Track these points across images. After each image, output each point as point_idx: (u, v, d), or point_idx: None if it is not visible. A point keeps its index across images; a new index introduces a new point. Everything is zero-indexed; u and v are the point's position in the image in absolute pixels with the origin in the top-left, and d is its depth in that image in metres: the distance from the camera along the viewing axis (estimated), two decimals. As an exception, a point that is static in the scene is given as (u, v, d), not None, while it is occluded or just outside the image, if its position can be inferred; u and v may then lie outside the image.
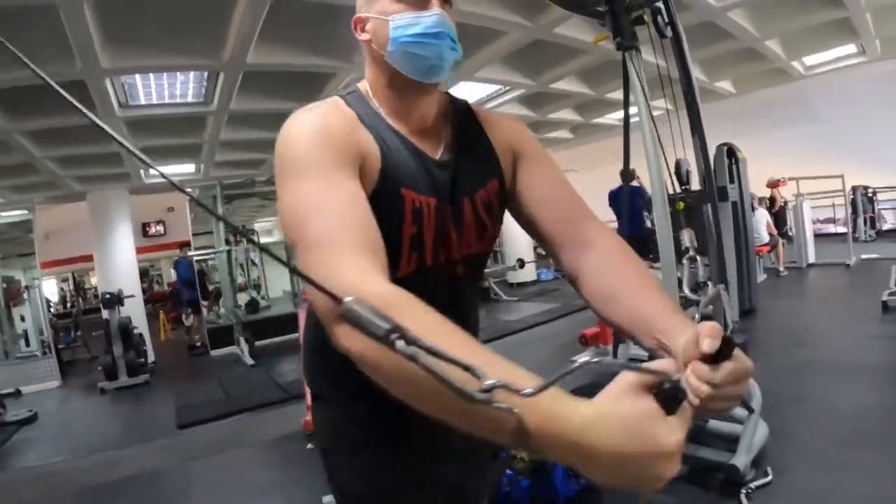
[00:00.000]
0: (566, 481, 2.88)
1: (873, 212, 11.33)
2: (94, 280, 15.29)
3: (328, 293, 0.55)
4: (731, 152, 5.81)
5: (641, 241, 7.12)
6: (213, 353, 8.44)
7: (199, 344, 8.93)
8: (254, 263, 13.60)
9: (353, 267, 0.71)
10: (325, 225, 0.77)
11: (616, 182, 7.13)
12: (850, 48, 6.28)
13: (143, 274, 16.32)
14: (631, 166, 4.43)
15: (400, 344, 0.54)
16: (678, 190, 3.63)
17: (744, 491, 2.71)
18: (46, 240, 9.40)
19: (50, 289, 14.54)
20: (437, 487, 1.12)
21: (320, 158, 0.86)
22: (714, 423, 3.27)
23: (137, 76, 4.36)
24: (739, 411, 3.08)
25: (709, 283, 3.71)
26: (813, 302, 6.75)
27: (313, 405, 1.19)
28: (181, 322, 9.20)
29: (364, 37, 1.04)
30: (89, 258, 8.78)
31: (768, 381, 3.36)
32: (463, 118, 1.12)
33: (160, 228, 12.34)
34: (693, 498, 2.80)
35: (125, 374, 6.68)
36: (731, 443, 3.07)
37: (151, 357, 7.97)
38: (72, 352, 9.62)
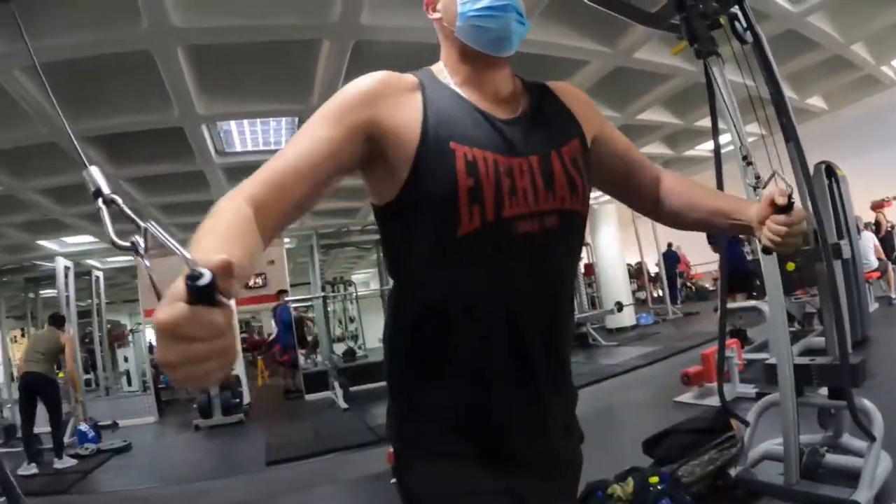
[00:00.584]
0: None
1: None
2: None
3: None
4: (830, 171, 5.45)
5: (744, 278, 7.28)
6: (308, 397, 8.58)
7: (294, 388, 9.11)
8: (351, 320, 13.96)
9: (242, 191, 0.82)
10: (269, 164, 0.88)
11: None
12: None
13: (245, 325, 17.09)
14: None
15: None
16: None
17: None
18: (151, 287, 10.00)
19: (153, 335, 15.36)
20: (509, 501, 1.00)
21: (319, 117, 0.93)
22: (832, 458, 2.98)
23: (232, 123, 4.64)
24: (858, 444, 2.81)
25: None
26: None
27: (389, 401, 1.12)
28: (280, 365, 9.43)
29: (435, 15, 1.06)
30: None
31: (890, 412, 3.04)
32: (539, 92, 1.11)
33: (260, 281, 12.92)
34: None
35: (220, 412, 6.89)
36: (851, 479, 2.80)
37: (247, 398, 8.18)
38: (171, 392, 10.06)
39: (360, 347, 13.40)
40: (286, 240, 9.98)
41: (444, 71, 1.05)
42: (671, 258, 12.07)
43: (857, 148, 9.36)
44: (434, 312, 0.98)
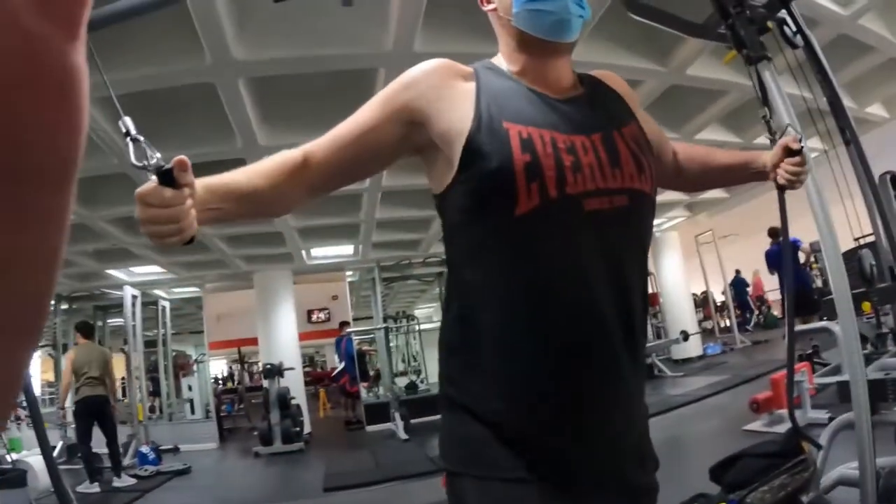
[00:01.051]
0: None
1: None
2: (259, 362, 16.67)
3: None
4: (897, 181, 5.16)
5: (810, 301, 6.83)
6: (369, 428, 8.61)
7: (355, 419, 9.18)
8: (414, 357, 14.03)
9: (294, 152, 1.00)
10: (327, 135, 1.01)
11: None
12: None
13: (309, 360, 17.44)
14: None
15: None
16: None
17: None
18: (217, 321, 10.29)
19: (218, 366, 15.92)
20: None
21: (373, 102, 1.01)
22: None
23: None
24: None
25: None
26: None
27: (442, 416, 1.04)
28: (348, 396, 9.55)
29: (490, 7, 1.06)
30: (254, 341, 9.45)
31: None
32: (592, 80, 1.10)
33: (323, 315, 13.19)
34: None
35: (280, 440, 6.97)
36: None
37: (308, 428, 8.28)
38: (233, 420, 10.32)
39: (422, 381, 13.43)
40: (349, 273, 10.13)
41: (501, 61, 1.05)
42: (739, 285, 11.61)
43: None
44: (494, 300, 0.92)
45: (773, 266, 7.61)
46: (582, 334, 0.89)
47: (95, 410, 5.64)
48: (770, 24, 2.55)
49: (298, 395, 8.26)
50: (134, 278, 8.49)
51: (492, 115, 0.92)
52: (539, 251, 0.89)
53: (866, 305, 3.12)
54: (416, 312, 16.67)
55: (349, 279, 10.22)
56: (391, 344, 11.24)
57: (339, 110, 3.48)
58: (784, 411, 4.46)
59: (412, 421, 8.09)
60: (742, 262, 11.82)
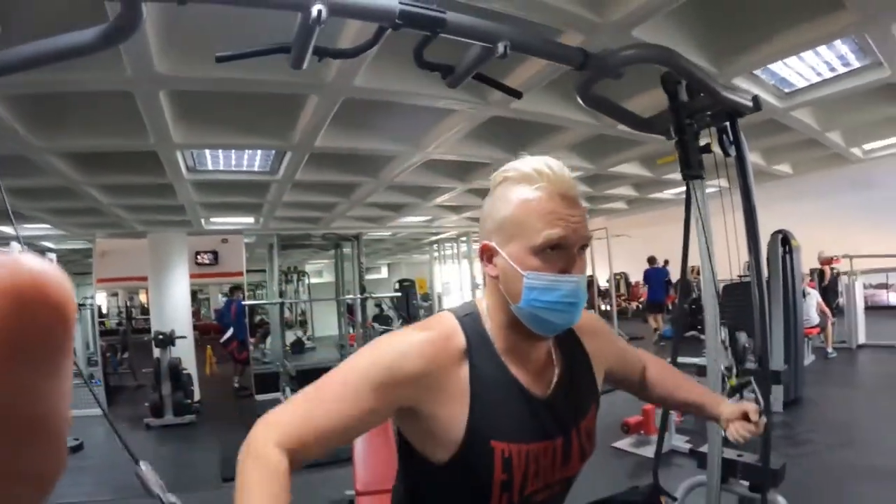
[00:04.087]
0: None
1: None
2: (143, 298, 15.73)
3: None
4: (786, 240, 5.79)
5: (659, 306, 11.33)
6: (259, 397, 8.52)
7: (238, 385, 9.05)
8: (302, 312, 13.89)
9: (282, 436, 0.91)
10: (314, 410, 0.94)
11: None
12: (913, 136, 6.22)
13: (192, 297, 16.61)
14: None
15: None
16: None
17: None
18: (102, 258, 9.51)
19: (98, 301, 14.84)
20: None
21: (362, 381, 0.95)
22: None
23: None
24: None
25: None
26: (863, 392, 6.55)
27: None
28: (238, 362, 9.23)
29: (491, 270, 1.03)
30: (143, 279, 8.98)
31: (808, 488, 3.30)
32: (569, 347, 1.15)
33: (208, 258, 12.63)
34: None
35: (171, 412, 6.83)
36: None
37: (198, 395, 8.05)
38: (118, 377, 9.75)
39: (309, 339, 13.43)
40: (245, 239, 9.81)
41: (490, 326, 1.05)
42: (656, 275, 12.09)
43: (816, 206, 10.00)
44: None
45: (646, 281, 11.86)
46: None
47: None
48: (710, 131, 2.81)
49: (189, 364, 8.04)
50: (23, 233, 7.85)
51: (482, 433, 0.98)
52: None
53: (732, 381, 3.54)
54: (308, 267, 16.61)
55: (246, 241, 9.87)
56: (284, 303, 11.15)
57: (262, 121, 3.42)
58: (653, 436, 4.99)
59: (301, 392, 8.19)
60: (627, 258, 12.56)
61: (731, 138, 2.93)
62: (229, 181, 5.65)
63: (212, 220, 8.00)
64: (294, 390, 7.89)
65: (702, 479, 3.35)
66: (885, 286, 11.44)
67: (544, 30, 2.83)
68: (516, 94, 2.49)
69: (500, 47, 1.77)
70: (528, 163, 0.99)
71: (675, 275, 12.37)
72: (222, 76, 3.17)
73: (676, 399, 1.40)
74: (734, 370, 3.62)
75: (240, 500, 0.85)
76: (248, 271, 10.51)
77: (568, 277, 0.96)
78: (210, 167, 5.15)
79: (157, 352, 7.16)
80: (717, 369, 2.94)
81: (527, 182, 0.97)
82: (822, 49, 3.75)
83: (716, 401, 1.36)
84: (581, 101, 2.66)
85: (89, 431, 6.50)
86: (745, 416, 1.26)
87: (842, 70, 4.16)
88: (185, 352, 7.93)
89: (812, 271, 9.65)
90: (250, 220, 8.29)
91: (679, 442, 4.77)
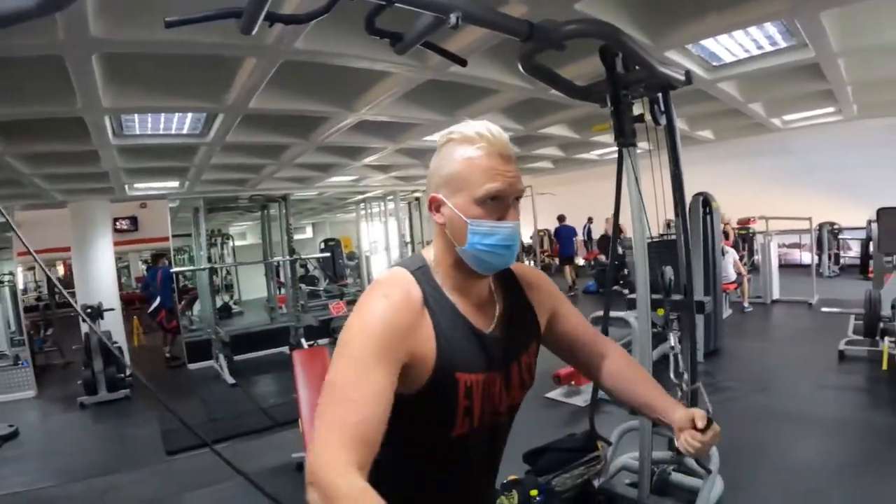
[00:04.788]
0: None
1: (838, 248, 11.87)
2: (61, 270, 14.99)
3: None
4: (707, 202, 6.12)
5: (569, 259, 12.26)
6: (191, 366, 8.42)
7: (169, 355, 8.87)
8: (228, 273, 13.51)
9: (342, 459, 0.92)
10: (343, 412, 0.97)
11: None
12: (829, 109, 6.61)
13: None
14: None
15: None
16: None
17: None
18: (20, 230, 9.06)
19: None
20: None
21: (369, 352, 1.02)
22: (677, 477, 3.57)
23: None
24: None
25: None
26: (776, 344, 7.05)
27: None
28: (168, 332, 9.00)
29: (438, 219, 1.17)
30: (66, 249, 8.69)
31: (729, 430, 3.58)
32: (508, 282, 1.31)
33: (126, 223, 12.16)
34: None
35: (105, 388, 6.64)
36: (693, 493, 3.37)
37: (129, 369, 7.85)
38: (45, 356, 9.26)
39: (235, 303, 13.18)
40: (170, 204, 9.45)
41: (438, 271, 1.20)
42: (564, 232, 12.59)
43: (736, 169, 10.55)
44: (418, 472, 1.23)
45: (557, 238, 12.73)
46: (460, 488, 1.27)
47: None
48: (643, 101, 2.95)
49: (118, 335, 7.80)
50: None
51: (448, 367, 1.12)
52: (457, 453, 1.22)
53: (661, 311, 3.82)
54: (232, 230, 16.19)
55: (170, 206, 9.52)
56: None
57: (196, 83, 3.29)
58: (582, 387, 5.26)
59: (235, 358, 8.16)
60: (552, 215, 12.92)
61: (662, 108, 3.11)
62: (156, 145, 5.42)
63: (135, 185, 7.66)
64: (227, 357, 7.84)
65: (633, 423, 3.62)
66: (798, 246, 12.29)
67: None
68: (461, 62, 2.54)
69: (453, 18, 1.83)
70: (470, 126, 1.14)
71: (597, 231, 13.39)
72: (160, 39, 3.04)
73: (633, 397, 1.40)
74: (663, 304, 3.91)
75: None
76: (173, 236, 10.19)
77: (504, 224, 1.13)
78: (138, 131, 4.93)
79: (85, 326, 6.88)
80: (646, 314, 3.15)
81: (469, 143, 1.12)
82: (752, 29, 3.95)
83: (669, 406, 1.33)
84: (522, 69, 2.73)
85: (22, 417, 6.33)
86: (694, 425, 1.24)
87: (769, 49, 4.37)
88: (113, 324, 7.68)
89: (726, 232, 10.23)
90: (175, 184, 7.97)
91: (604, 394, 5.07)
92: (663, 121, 3.13)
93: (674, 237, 5.78)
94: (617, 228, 3.28)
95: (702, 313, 3.88)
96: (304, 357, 4.20)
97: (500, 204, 1.12)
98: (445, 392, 1.12)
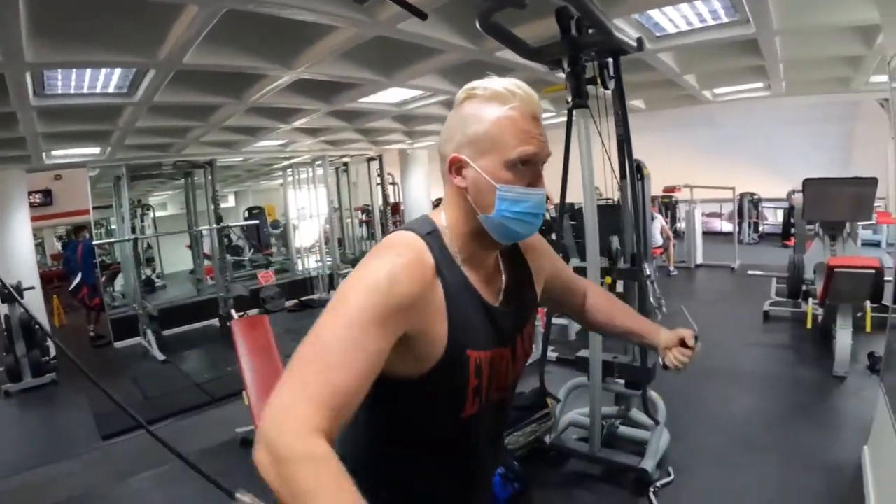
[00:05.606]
0: (503, 486, 3.17)
1: (757, 217, 12.52)
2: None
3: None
4: (639, 168, 6.29)
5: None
6: (118, 344, 8.05)
7: (94, 334, 8.47)
8: (149, 246, 12.93)
9: (305, 422, 0.80)
10: (320, 373, 0.85)
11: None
12: (758, 85, 6.85)
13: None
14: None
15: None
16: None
17: (652, 489, 3.15)
18: None
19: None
20: None
21: (368, 314, 0.90)
22: (624, 430, 3.72)
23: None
24: (643, 417, 3.53)
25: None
26: (703, 305, 7.39)
27: None
28: (91, 310, 8.55)
29: (459, 182, 1.06)
30: None
31: (666, 385, 3.80)
32: (511, 249, 1.23)
33: (38, 198, 11.38)
34: (609, 495, 3.24)
35: (30, 374, 6.23)
36: (638, 445, 3.52)
37: (53, 350, 7.22)
38: None
39: (158, 277, 12.69)
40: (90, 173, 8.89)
41: (451, 238, 1.09)
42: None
43: (664, 140, 10.94)
44: (423, 458, 1.16)
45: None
46: (469, 472, 1.23)
47: None
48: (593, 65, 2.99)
49: (40, 316, 7.32)
50: None
51: (459, 344, 1.04)
52: (467, 433, 1.16)
53: (608, 279, 3.94)
54: (152, 200, 15.49)
55: (89, 174, 8.96)
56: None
57: (129, 32, 3.07)
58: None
59: (164, 332, 7.90)
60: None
61: (612, 73, 3.18)
62: (80, 106, 5.02)
63: (54, 153, 7.13)
64: (156, 332, 7.56)
65: (581, 380, 3.74)
66: (718, 215, 12.91)
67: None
68: (422, 16, 2.49)
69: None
70: (498, 82, 1.04)
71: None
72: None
73: (616, 326, 1.48)
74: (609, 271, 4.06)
75: None
76: (94, 208, 9.63)
77: (536, 190, 1.05)
78: (61, 90, 4.57)
79: (5, 308, 6.39)
80: (596, 274, 3.25)
81: (499, 101, 1.02)
82: (698, 2, 4.06)
83: (654, 329, 1.44)
84: (480, 27, 2.71)
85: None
86: (682, 343, 1.37)
87: (711, 22, 4.48)
88: (33, 305, 7.19)
89: (654, 198, 10.64)
90: (96, 150, 7.49)
91: (550, 353, 5.18)
92: (612, 85, 3.21)
93: (609, 202, 5.99)
94: (566, 190, 3.33)
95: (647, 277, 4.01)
96: (243, 326, 4.13)
97: (531, 169, 1.04)
98: (455, 372, 1.05)
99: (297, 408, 0.81)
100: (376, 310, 0.90)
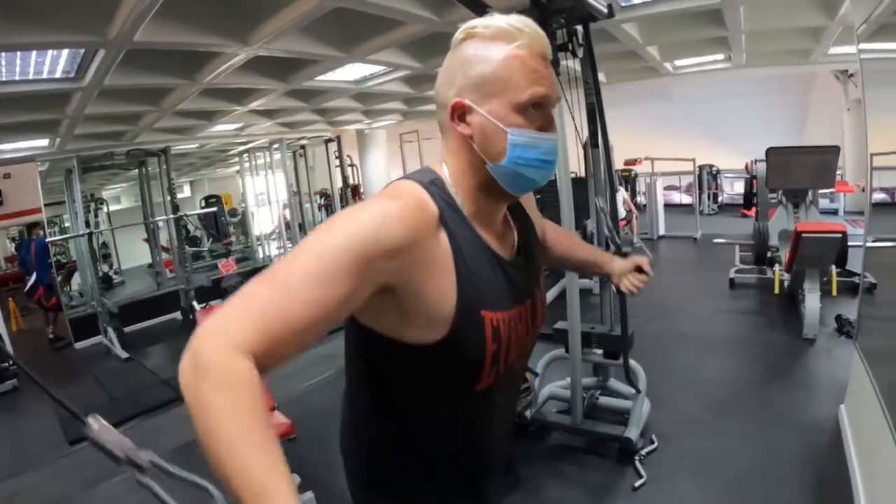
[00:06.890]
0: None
1: (716, 188, 12.74)
2: None
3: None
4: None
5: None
6: (78, 345, 7.73)
7: (53, 336, 8.08)
8: (104, 245, 12.54)
9: (241, 341, 0.71)
10: (276, 301, 0.75)
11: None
12: (719, 56, 6.94)
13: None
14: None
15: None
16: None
17: (637, 457, 3.17)
18: None
19: None
20: None
21: (347, 253, 0.79)
22: (604, 400, 3.72)
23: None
24: (628, 389, 3.54)
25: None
26: (670, 274, 7.46)
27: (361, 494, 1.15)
28: (48, 310, 8.13)
29: (464, 129, 0.96)
30: None
31: (643, 355, 3.82)
32: (518, 212, 1.15)
33: None
34: (595, 465, 3.23)
35: (-11, 383, 5.87)
36: (619, 415, 3.54)
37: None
38: None
39: (116, 273, 12.33)
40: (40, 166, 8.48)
41: (457, 191, 0.98)
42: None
43: (624, 113, 11.02)
44: (436, 436, 1.07)
45: None
46: (480, 452, 1.14)
47: None
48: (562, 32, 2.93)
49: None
50: None
51: (473, 305, 0.92)
52: (482, 406, 1.06)
53: None
54: (105, 194, 14.93)
55: (39, 168, 8.55)
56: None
57: (76, 9, 2.86)
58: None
59: (126, 330, 7.68)
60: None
61: (581, 41, 3.13)
62: (24, 94, 4.75)
63: (0, 147, 6.79)
64: (117, 329, 7.33)
65: (559, 352, 3.72)
66: (677, 187, 13.09)
67: None
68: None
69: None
70: (502, 19, 0.94)
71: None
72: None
73: (573, 258, 1.48)
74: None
75: (216, 445, 0.66)
76: (46, 205, 9.25)
77: (548, 135, 0.95)
78: (4, 76, 4.30)
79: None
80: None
81: (505, 39, 0.93)
82: None
83: (608, 258, 1.52)
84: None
85: None
86: (637, 269, 1.46)
87: None
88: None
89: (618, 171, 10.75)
90: (44, 142, 7.16)
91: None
92: (581, 53, 3.16)
93: (573, 175, 5.97)
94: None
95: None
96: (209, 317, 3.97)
97: (543, 112, 0.94)
98: (469, 337, 0.93)
99: (236, 317, 0.73)
100: (355, 253, 0.79)
